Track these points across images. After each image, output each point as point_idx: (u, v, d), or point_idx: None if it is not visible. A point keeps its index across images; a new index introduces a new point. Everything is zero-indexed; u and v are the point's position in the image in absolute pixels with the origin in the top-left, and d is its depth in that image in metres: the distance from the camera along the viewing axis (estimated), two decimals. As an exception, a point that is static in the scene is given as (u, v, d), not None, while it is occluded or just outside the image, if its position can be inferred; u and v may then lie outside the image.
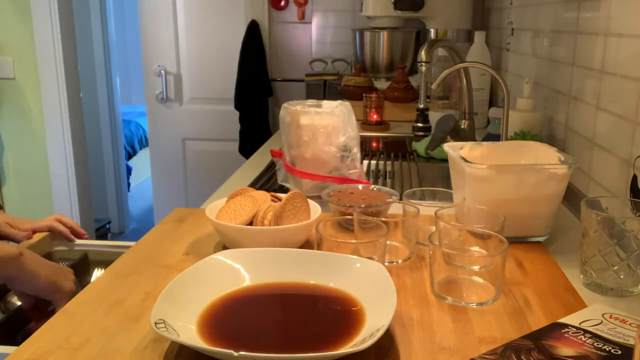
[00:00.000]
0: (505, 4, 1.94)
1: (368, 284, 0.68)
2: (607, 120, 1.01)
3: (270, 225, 0.84)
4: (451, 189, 0.98)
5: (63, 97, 2.82)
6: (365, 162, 1.53)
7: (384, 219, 0.84)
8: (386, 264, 0.82)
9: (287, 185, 1.18)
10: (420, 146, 1.62)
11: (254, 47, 2.83)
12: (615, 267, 0.74)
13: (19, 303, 0.92)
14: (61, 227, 1.06)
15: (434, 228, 0.83)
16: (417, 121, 1.31)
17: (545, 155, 0.95)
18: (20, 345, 0.61)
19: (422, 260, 0.84)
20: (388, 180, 1.43)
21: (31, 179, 2.92)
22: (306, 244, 0.88)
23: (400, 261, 0.84)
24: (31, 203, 2.92)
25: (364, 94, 1.93)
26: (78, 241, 1.08)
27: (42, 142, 2.87)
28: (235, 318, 0.67)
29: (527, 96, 1.37)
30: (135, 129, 4.65)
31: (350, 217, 0.89)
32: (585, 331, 0.62)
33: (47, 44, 2.76)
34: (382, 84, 2.27)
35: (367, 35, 2.37)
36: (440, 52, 1.91)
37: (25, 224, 1.06)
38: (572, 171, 0.88)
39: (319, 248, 0.78)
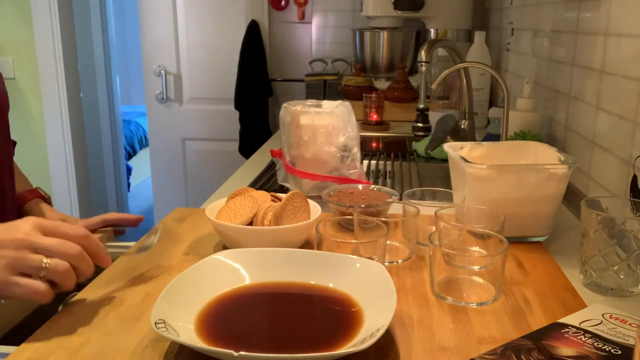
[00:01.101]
0: (505, 4, 1.94)
1: (368, 284, 0.68)
2: (607, 120, 1.01)
3: (270, 225, 0.84)
4: (451, 189, 0.98)
5: (63, 97, 2.82)
6: (365, 162, 1.53)
7: (384, 219, 0.84)
8: (386, 264, 0.82)
9: (287, 185, 1.18)
10: (420, 146, 1.62)
11: (254, 47, 2.83)
12: (615, 267, 0.74)
13: None
14: (116, 216, 0.98)
15: (434, 228, 0.83)
16: (417, 121, 1.31)
17: (545, 155, 0.95)
18: (20, 345, 0.61)
19: (422, 260, 0.84)
20: (388, 180, 1.43)
21: (31, 179, 2.91)
22: (306, 244, 0.88)
23: (400, 261, 0.84)
24: (31, 203, 2.92)
25: (364, 94, 1.93)
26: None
27: (42, 142, 2.87)
28: (235, 318, 0.67)
29: (527, 96, 1.37)
30: (135, 129, 4.65)
31: (350, 217, 0.89)
32: (585, 331, 0.62)
33: (47, 44, 2.76)
34: (382, 84, 2.27)
35: (367, 35, 2.37)
36: (440, 52, 1.91)
37: (78, 222, 0.98)
38: (572, 171, 0.88)
39: (319, 248, 0.78)
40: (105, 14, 3.68)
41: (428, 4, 2.14)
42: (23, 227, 0.65)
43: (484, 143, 1.01)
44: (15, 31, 2.76)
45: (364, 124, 1.91)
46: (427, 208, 0.86)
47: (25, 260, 0.63)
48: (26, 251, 0.63)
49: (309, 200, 0.90)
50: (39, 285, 0.63)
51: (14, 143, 1.14)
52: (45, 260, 0.63)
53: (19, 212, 0.99)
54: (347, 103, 1.15)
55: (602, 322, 0.64)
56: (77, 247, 0.66)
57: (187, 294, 0.66)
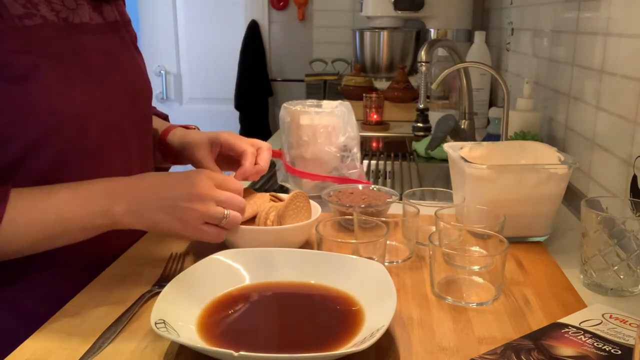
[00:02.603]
0: (505, 4, 1.94)
1: (368, 284, 0.68)
2: (607, 120, 1.01)
3: (273, 225, 0.84)
4: (451, 189, 0.98)
5: (63, 97, 2.82)
6: (365, 162, 1.53)
7: (384, 219, 0.84)
8: (386, 264, 0.82)
9: (287, 185, 1.18)
10: (420, 146, 1.62)
11: (254, 47, 2.83)
12: (615, 267, 0.74)
13: None
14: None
15: (434, 228, 0.83)
16: (417, 121, 1.31)
17: (545, 155, 0.95)
18: (20, 345, 0.61)
19: (422, 260, 0.84)
20: (388, 180, 1.43)
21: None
22: (306, 244, 0.88)
23: (400, 261, 0.84)
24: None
25: (364, 94, 1.93)
26: None
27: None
28: (235, 318, 0.67)
29: (527, 96, 1.37)
30: (135, 129, 4.64)
31: (350, 217, 0.89)
32: (585, 331, 0.62)
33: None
34: (382, 84, 2.27)
35: (367, 35, 2.37)
36: (440, 52, 1.91)
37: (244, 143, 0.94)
38: (572, 171, 0.88)
39: (319, 248, 0.78)
40: (105, 14, 3.68)
41: (428, 4, 2.14)
42: (202, 182, 0.74)
43: (484, 143, 1.01)
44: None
45: (364, 124, 1.91)
46: (427, 208, 0.86)
47: (211, 212, 0.73)
48: (210, 204, 0.73)
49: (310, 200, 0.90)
50: (219, 232, 0.76)
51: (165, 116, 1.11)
52: (225, 212, 0.74)
53: (164, 145, 1.00)
54: (347, 103, 1.15)
55: (602, 322, 0.64)
56: (242, 200, 0.78)
57: (187, 294, 0.66)
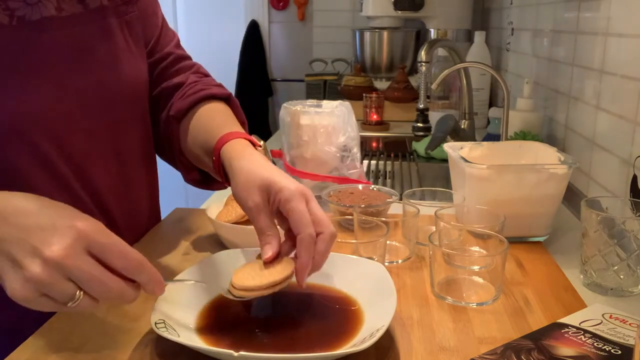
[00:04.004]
0: (505, 4, 1.94)
1: (368, 284, 0.68)
2: (607, 120, 1.01)
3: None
4: (451, 189, 0.98)
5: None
6: (365, 162, 1.53)
7: (384, 219, 0.84)
8: (386, 264, 0.82)
9: (287, 185, 1.18)
10: (420, 146, 1.62)
11: (254, 47, 2.83)
12: (615, 267, 0.74)
13: None
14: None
15: (434, 228, 0.83)
16: (417, 121, 1.31)
17: (545, 155, 0.95)
18: (20, 345, 0.61)
19: (422, 260, 0.84)
20: (388, 180, 1.43)
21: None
22: (306, 244, 0.87)
23: (400, 261, 0.84)
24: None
25: (364, 94, 1.93)
26: None
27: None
28: (235, 318, 0.67)
29: (527, 96, 1.37)
30: (135, 129, 4.64)
31: (350, 217, 0.89)
32: (585, 331, 0.62)
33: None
34: (382, 84, 2.27)
35: (367, 35, 2.37)
36: (440, 52, 1.91)
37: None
38: (572, 171, 0.88)
39: (319, 248, 0.77)
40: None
41: (428, 4, 2.14)
42: (65, 239, 0.50)
43: (484, 143, 1.01)
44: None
45: (364, 124, 1.91)
46: (427, 208, 0.86)
47: (54, 287, 0.50)
48: (56, 275, 0.50)
49: (309, 200, 0.90)
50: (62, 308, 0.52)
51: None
52: (78, 294, 0.51)
53: (216, 161, 0.75)
54: (347, 103, 1.15)
55: (602, 322, 0.64)
56: (117, 285, 0.52)
57: (187, 294, 0.66)
